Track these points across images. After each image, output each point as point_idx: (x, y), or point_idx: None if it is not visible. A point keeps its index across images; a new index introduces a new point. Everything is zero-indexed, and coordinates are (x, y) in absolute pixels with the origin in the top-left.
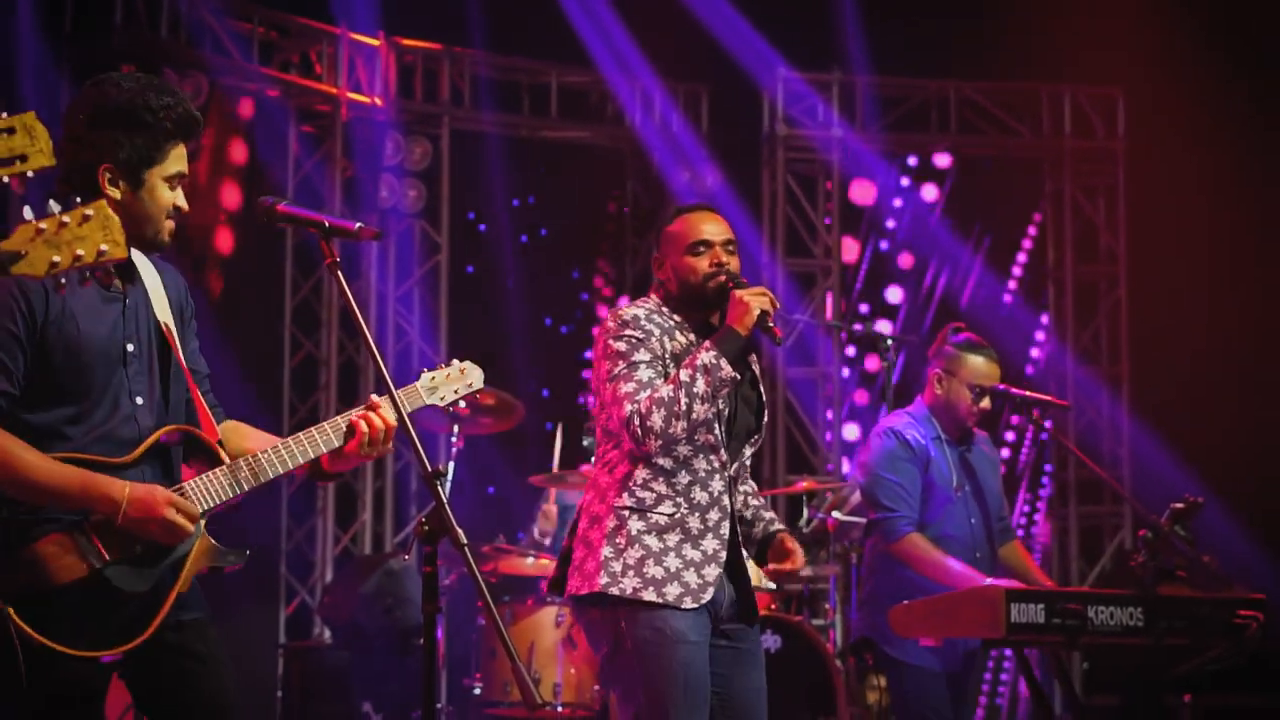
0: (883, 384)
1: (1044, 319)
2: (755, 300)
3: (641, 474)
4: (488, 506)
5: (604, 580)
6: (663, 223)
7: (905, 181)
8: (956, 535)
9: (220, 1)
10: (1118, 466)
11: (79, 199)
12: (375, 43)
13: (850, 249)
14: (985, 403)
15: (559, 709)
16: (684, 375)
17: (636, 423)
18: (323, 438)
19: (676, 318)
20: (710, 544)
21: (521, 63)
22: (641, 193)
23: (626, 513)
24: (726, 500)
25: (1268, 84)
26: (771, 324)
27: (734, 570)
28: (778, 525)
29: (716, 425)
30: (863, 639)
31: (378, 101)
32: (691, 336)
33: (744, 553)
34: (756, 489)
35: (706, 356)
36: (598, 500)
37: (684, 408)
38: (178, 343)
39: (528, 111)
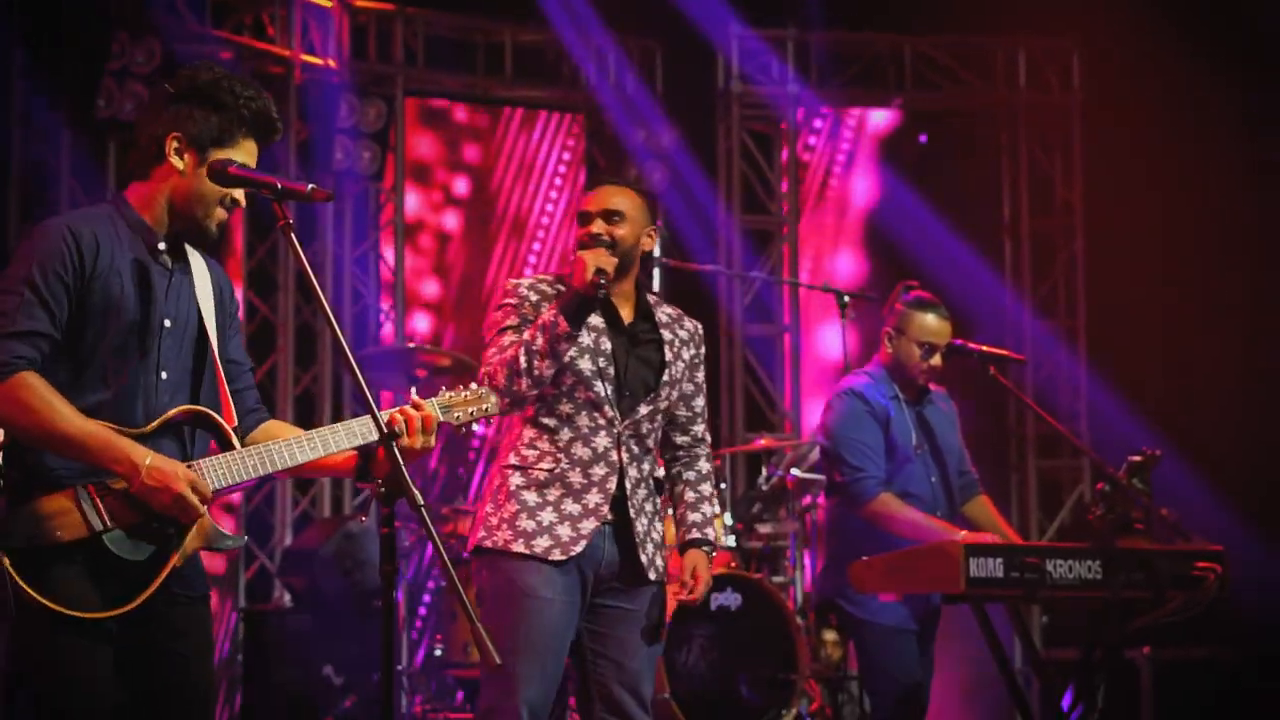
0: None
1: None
2: (591, 259)
3: (528, 433)
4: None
5: (481, 534)
6: None
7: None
8: (917, 494)
9: None
10: (1075, 420)
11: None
12: (328, 4)
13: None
14: (936, 360)
15: None
16: (526, 335)
17: (486, 383)
18: (334, 437)
19: (562, 287)
20: (593, 498)
21: (476, 22)
22: (598, 152)
23: (510, 470)
24: (615, 455)
25: (1224, 34)
26: (601, 282)
27: (622, 529)
28: (697, 534)
29: (599, 382)
30: (827, 601)
31: (331, 63)
32: None
33: (644, 516)
34: (705, 472)
35: (546, 314)
36: (495, 462)
37: (524, 365)
38: (214, 332)
39: (482, 71)
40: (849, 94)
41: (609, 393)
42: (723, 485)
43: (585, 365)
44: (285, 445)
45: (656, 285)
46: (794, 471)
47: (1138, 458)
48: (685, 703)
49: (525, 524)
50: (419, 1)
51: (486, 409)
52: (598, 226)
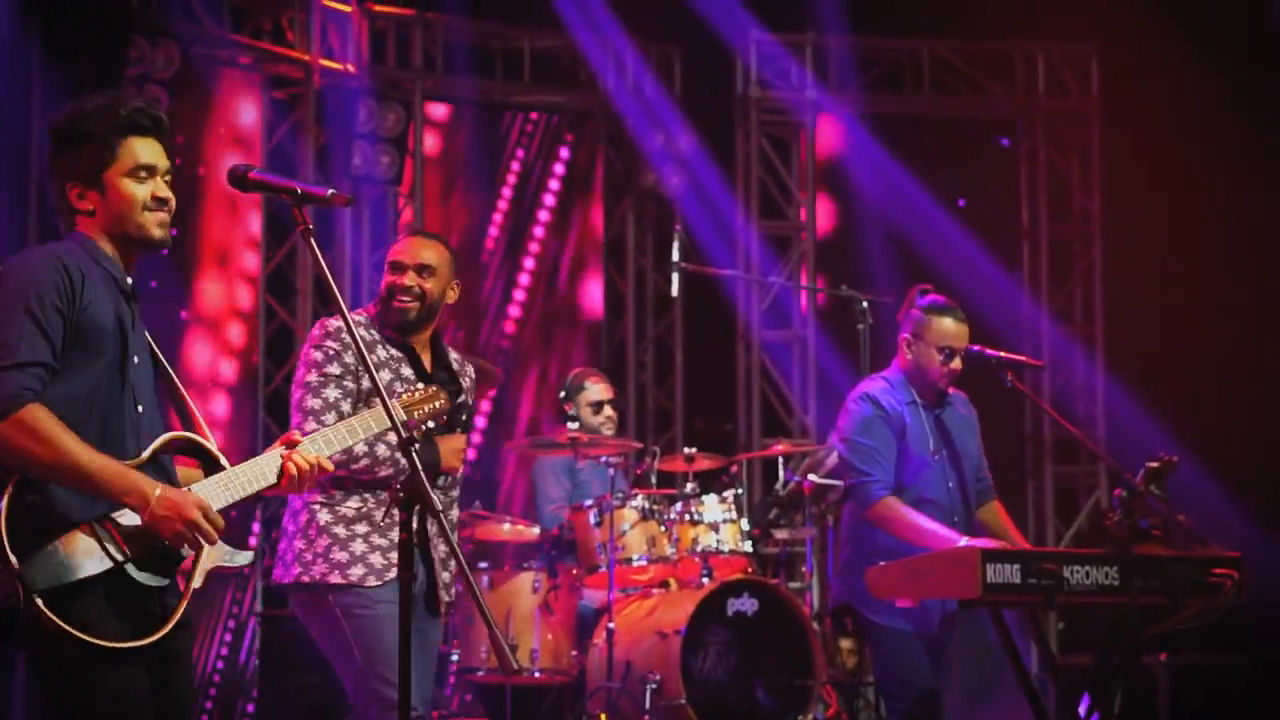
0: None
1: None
2: (458, 460)
3: None
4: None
5: (297, 570)
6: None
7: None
8: (934, 499)
9: None
10: (1093, 426)
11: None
12: (347, 9)
13: (825, 211)
14: (955, 363)
15: (536, 674)
16: (360, 450)
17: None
18: (335, 434)
19: (377, 333)
20: (397, 535)
21: (494, 27)
22: (615, 157)
23: (317, 506)
24: None
25: (1242, 40)
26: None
27: (424, 553)
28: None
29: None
30: (842, 605)
31: (350, 68)
32: (392, 351)
33: (441, 539)
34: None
35: (386, 468)
36: (298, 496)
37: (364, 465)
38: (168, 365)
39: (500, 76)
40: (867, 99)
41: None
42: (739, 491)
43: None
44: (274, 455)
45: (675, 290)
46: (811, 477)
47: (1155, 464)
48: (701, 708)
49: (339, 555)
50: (437, 7)
51: (439, 406)
52: (409, 279)
